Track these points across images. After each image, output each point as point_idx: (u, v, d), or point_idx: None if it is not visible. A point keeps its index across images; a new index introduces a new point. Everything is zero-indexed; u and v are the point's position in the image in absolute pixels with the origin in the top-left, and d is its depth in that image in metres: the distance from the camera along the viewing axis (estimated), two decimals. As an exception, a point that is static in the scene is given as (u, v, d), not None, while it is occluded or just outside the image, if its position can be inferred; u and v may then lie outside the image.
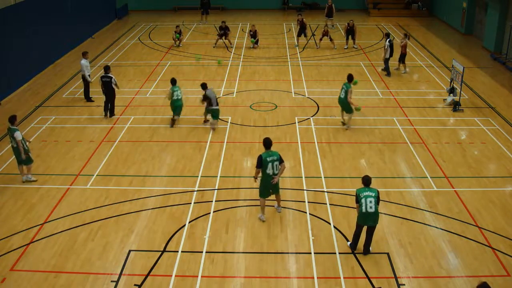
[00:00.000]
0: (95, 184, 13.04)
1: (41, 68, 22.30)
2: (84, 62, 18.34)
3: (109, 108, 17.07)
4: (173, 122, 16.39)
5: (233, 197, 12.36)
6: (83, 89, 18.87)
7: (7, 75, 19.40)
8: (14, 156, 14.47)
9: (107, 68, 16.91)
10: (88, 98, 18.68)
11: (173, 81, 16.42)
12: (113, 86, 16.79)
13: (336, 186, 12.87)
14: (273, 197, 11.61)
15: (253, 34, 25.68)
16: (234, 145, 15.03)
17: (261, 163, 10.87)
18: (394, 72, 21.61)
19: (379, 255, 10.28)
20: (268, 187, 11.13)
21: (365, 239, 10.24)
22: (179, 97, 16.23)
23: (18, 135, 12.77)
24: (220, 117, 16.94)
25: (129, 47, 26.16)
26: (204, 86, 16.10)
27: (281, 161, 11.01)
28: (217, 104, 15.85)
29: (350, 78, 15.68)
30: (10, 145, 13.33)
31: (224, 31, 25.49)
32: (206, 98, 15.60)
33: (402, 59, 21.40)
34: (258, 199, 11.40)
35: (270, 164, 10.88)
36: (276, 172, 10.97)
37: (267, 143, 11.07)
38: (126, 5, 34.90)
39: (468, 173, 13.51)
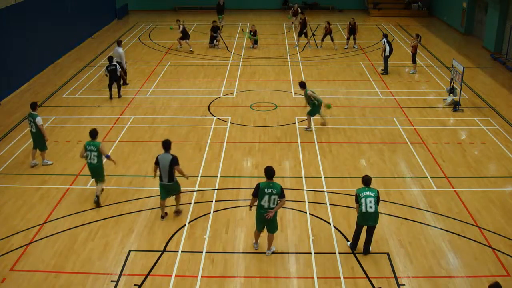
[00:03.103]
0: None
1: (41, 68, 22.30)
2: (121, 50, 19.75)
3: (117, 90, 18.74)
4: (97, 201, 12.00)
5: (233, 197, 12.36)
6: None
7: (7, 75, 19.40)
8: (14, 156, 14.57)
9: (111, 58, 18.41)
10: (124, 83, 20.11)
11: (92, 134, 11.93)
12: (118, 73, 18.38)
13: (336, 186, 12.87)
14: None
15: (253, 34, 25.75)
16: (234, 145, 15.03)
17: (257, 193, 9.79)
18: (393, 71, 21.61)
19: (379, 255, 10.28)
20: (262, 220, 9.98)
21: (365, 239, 10.24)
22: (94, 161, 11.85)
23: (39, 120, 13.41)
24: (220, 117, 16.98)
25: (129, 47, 26.16)
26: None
27: (281, 196, 9.79)
28: (170, 179, 11.01)
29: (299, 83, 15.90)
30: (29, 129, 13.88)
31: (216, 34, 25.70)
32: (156, 162, 11.04)
33: (412, 58, 21.46)
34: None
35: (267, 197, 9.74)
36: (272, 206, 9.79)
37: (269, 172, 9.81)
38: (126, 5, 34.91)
39: (468, 173, 13.51)
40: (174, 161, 10.88)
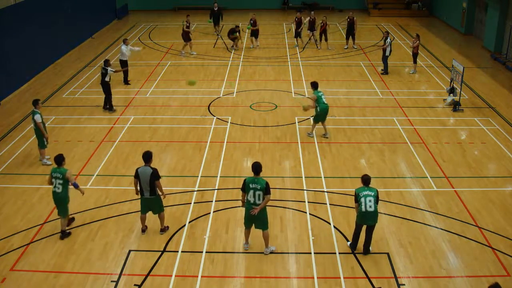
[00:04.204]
0: (95, 184, 13.04)
1: (41, 68, 22.30)
2: (124, 47, 19.99)
3: (108, 103, 17.55)
4: (63, 234, 10.87)
5: (233, 197, 12.36)
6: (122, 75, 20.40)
7: (7, 75, 19.40)
8: (14, 156, 14.63)
9: (106, 61, 17.36)
10: (125, 81, 20.39)
11: (57, 160, 10.68)
12: (107, 78, 17.16)
13: (336, 186, 12.87)
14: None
15: (253, 24, 25.25)
16: (234, 145, 15.03)
17: (244, 188, 9.96)
18: (393, 71, 21.61)
19: (379, 255, 10.28)
20: (249, 216, 10.06)
21: (364, 238, 10.24)
22: (58, 190, 10.58)
23: (38, 117, 13.48)
24: (220, 117, 16.98)
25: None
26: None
27: (266, 192, 9.80)
28: (152, 193, 10.56)
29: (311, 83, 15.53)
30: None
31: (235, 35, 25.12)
32: (136, 176, 10.60)
33: (413, 58, 21.51)
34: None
35: (251, 192, 9.84)
36: (257, 202, 9.87)
37: (255, 168, 9.91)
38: (126, 5, 34.90)
39: (468, 173, 13.51)
40: (155, 176, 10.43)
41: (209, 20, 28.12)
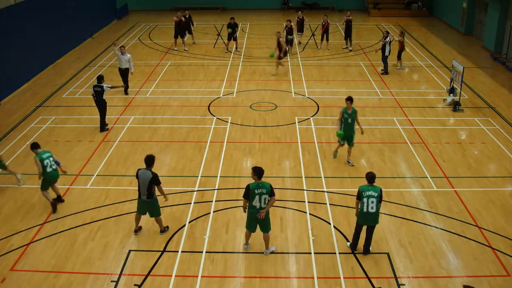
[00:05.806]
0: (95, 184, 13.04)
1: (41, 68, 22.30)
2: (117, 53, 19.10)
3: (100, 121, 16.01)
4: (54, 207, 11.81)
5: (233, 197, 12.36)
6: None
7: (7, 75, 19.40)
8: (14, 156, 14.61)
9: (100, 78, 15.82)
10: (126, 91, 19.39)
11: (34, 146, 11.69)
12: (103, 96, 15.73)
13: (336, 186, 12.87)
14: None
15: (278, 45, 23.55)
16: (234, 145, 15.03)
17: (248, 194, 9.82)
18: (393, 71, 21.62)
19: (379, 255, 10.28)
20: (254, 220, 10.04)
21: (365, 238, 10.24)
22: (53, 167, 11.61)
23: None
24: (220, 117, 16.99)
25: (129, 47, 26.14)
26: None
27: (271, 194, 9.80)
28: (149, 196, 10.46)
29: (351, 99, 13.37)
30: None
31: (233, 30, 24.22)
32: (137, 176, 10.53)
33: (399, 55, 21.80)
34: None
35: (257, 197, 9.77)
36: (263, 206, 9.85)
37: (259, 173, 9.77)
38: (126, 5, 34.91)
39: (468, 173, 13.51)
40: (155, 181, 10.36)
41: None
